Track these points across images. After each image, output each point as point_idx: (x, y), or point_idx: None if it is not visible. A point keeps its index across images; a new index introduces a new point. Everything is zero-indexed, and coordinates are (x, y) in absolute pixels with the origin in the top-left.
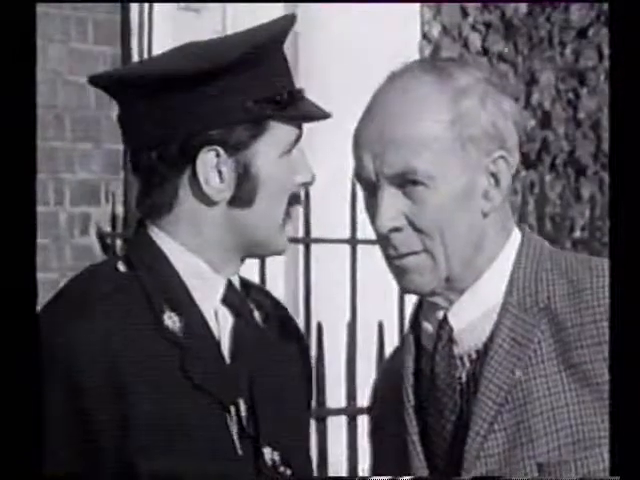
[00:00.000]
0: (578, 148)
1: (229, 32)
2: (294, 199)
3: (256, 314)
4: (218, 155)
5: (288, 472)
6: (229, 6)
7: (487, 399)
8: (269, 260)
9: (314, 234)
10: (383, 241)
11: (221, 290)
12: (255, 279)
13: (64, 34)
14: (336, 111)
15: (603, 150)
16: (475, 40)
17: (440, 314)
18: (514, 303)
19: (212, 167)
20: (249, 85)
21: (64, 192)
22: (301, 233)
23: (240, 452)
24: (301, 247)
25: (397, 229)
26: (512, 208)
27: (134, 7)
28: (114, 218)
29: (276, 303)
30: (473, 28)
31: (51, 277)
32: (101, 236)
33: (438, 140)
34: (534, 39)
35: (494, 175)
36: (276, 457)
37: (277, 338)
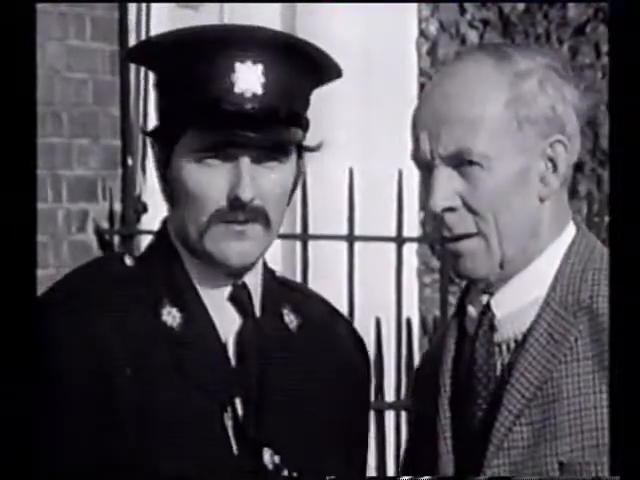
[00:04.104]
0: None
1: None
2: (224, 212)
3: (290, 319)
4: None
5: (294, 476)
6: (227, 3)
7: (516, 392)
8: (266, 257)
9: (311, 231)
10: (438, 222)
11: (228, 289)
12: None
13: (62, 31)
14: (333, 107)
15: (600, 147)
16: (473, 37)
17: (484, 299)
18: (556, 299)
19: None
20: (178, 85)
21: (62, 188)
22: (299, 230)
23: (236, 451)
24: (298, 244)
25: (451, 209)
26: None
27: (132, 4)
28: (112, 214)
29: (331, 315)
30: (470, 25)
31: (48, 273)
32: (99, 233)
33: (494, 120)
34: (531, 36)
35: (551, 160)
36: (277, 460)
37: (312, 347)
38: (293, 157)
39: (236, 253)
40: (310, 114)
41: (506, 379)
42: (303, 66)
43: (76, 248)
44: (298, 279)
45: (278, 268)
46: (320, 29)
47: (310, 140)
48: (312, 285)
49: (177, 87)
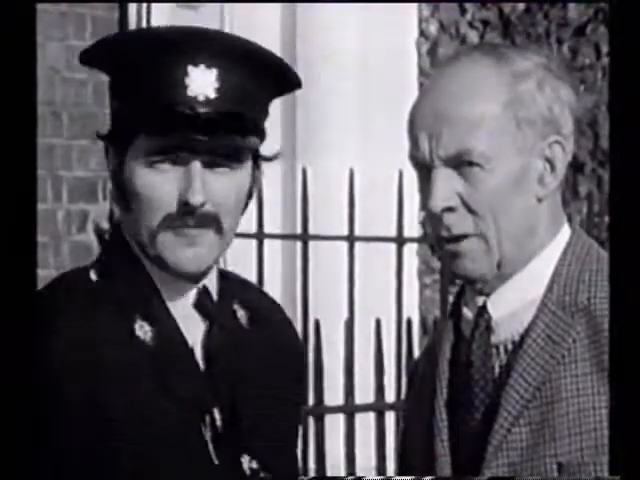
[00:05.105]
0: (575, 145)
1: (227, 30)
2: (174, 218)
3: (240, 314)
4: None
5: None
6: (227, 3)
7: (515, 393)
8: (267, 257)
9: (312, 231)
10: (436, 223)
11: (192, 296)
12: (252, 277)
13: (62, 31)
14: (333, 108)
15: (600, 147)
16: (473, 37)
17: (480, 301)
18: (553, 300)
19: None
20: (130, 87)
21: (62, 189)
22: (299, 230)
23: (216, 461)
24: (299, 244)
25: (451, 209)
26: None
27: (132, 4)
28: (112, 215)
29: (268, 302)
30: (471, 25)
31: (48, 274)
32: (99, 233)
33: (494, 120)
34: (532, 36)
35: (549, 160)
36: (254, 465)
37: (264, 339)
38: (248, 164)
39: (190, 260)
40: (310, 114)
41: (504, 380)
42: (261, 74)
43: (76, 248)
44: (298, 279)
45: (278, 268)
46: (320, 29)
47: (310, 141)
48: (312, 285)
49: (130, 89)
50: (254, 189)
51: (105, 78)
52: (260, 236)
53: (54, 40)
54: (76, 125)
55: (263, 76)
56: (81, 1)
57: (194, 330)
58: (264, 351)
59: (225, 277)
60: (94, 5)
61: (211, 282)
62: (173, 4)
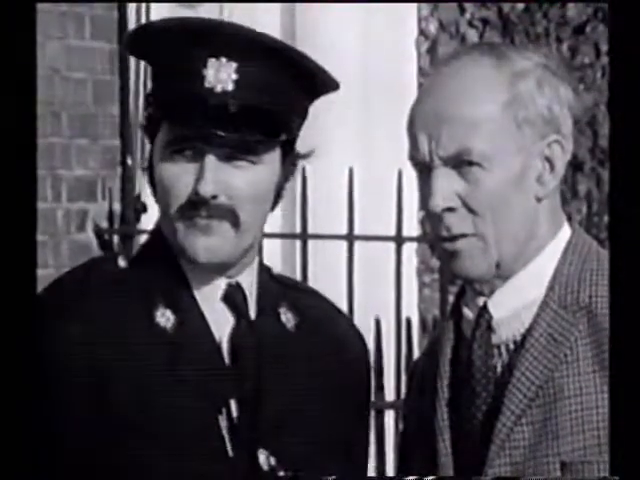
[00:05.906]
0: (575, 144)
1: None
2: (187, 208)
3: (287, 318)
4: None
5: (290, 476)
6: (226, 3)
7: (518, 392)
8: (266, 256)
9: (311, 230)
10: (435, 222)
11: (221, 289)
12: None
13: (61, 30)
14: (333, 107)
15: (600, 146)
16: (472, 36)
17: (480, 301)
18: (555, 299)
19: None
20: (155, 76)
21: (61, 188)
22: (298, 229)
23: (231, 453)
24: (298, 243)
25: (451, 209)
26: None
27: (131, 4)
28: (111, 214)
29: (328, 311)
30: (470, 24)
31: (48, 273)
32: (98, 232)
33: (494, 120)
34: (531, 35)
35: (548, 159)
36: (273, 462)
37: (311, 346)
38: (272, 160)
39: (203, 248)
40: (310, 114)
41: (506, 380)
42: (288, 72)
43: (75, 248)
44: (298, 279)
45: (278, 268)
46: (319, 28)
47: (308, 141)
48: (311, 284)
49: (155, 78)
50: (284, 186)
51: (105, 78)
52: None
53: (54, 40)
54: (75, 125)
55: (291, 75)
56: (81, 1)
57: (223, 324)
58: (308, 357)
59: (277, 280)
60: (93, 5)
61: (248, 279)
62: (172, 4)
